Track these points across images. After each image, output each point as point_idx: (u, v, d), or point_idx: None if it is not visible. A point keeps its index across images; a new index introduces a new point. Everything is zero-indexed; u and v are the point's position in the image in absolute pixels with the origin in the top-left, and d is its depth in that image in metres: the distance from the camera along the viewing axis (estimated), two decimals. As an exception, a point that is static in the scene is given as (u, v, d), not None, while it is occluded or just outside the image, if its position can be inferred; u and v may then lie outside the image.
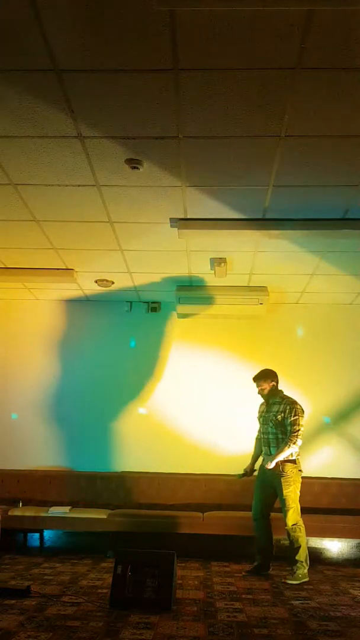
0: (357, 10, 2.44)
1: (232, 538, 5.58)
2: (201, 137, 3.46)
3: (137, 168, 3.79)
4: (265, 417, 5.14)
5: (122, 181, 4.02)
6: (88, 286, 6.33)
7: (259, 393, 5.22)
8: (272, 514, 5.11)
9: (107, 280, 6.13)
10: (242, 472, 5.24)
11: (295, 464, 4.95)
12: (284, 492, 4.85)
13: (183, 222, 4.57)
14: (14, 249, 5.36)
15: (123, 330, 6.82)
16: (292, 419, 4.92)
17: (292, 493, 4.87)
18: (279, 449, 4.90)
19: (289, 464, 4.91)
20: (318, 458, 6.34)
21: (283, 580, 4.68)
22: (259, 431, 5.28)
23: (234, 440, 6.40)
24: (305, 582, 4.67)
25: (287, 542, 4.99)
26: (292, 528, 4.83)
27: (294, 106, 3.14)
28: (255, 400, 5.85)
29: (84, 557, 5.51)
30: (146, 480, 6.24)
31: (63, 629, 3.13)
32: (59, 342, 6.82)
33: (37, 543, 5.90)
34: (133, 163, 3.74)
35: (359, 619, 3.53)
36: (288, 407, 4.99)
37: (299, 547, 4.80)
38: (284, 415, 4.96)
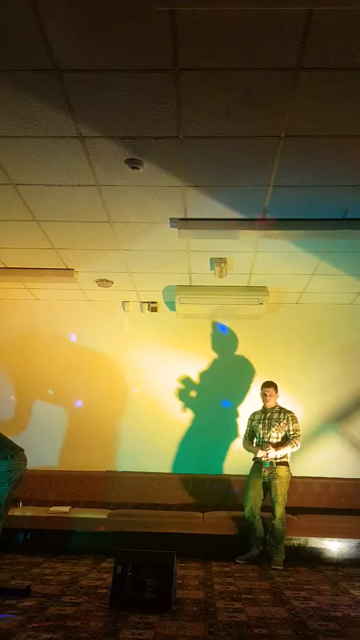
0: (357, 10, 2.44)
1: (232, 538, 5.58)
2: (201, 137, 3.46)
3: (137, 168, 3.79)
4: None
5: (122, 181, 4.02)
6: (88, 286, 6.33)
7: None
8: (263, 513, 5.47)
9: (107, 280, 6.12)
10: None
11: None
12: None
13: (183, 222, 4.57)
14: (14, 249, 5.36)
15: (122, 331, 6.81)
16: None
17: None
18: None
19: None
20: (318, 458, 6.33)
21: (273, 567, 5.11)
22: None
23: (235, 440, 6.40)
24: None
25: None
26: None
27: (294, 106, 3.14)
28: (255, 400, 5.86)
29: (84, 557, 5.50)
30: (146, 480, 6.24)
31: (63, 629, 3.13)
32: (59, 343, 6.81)
33: (37, 543, 5.88)
34: (133, 163, 3.74)
35: (359, 619, 3.52)
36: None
37: None
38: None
